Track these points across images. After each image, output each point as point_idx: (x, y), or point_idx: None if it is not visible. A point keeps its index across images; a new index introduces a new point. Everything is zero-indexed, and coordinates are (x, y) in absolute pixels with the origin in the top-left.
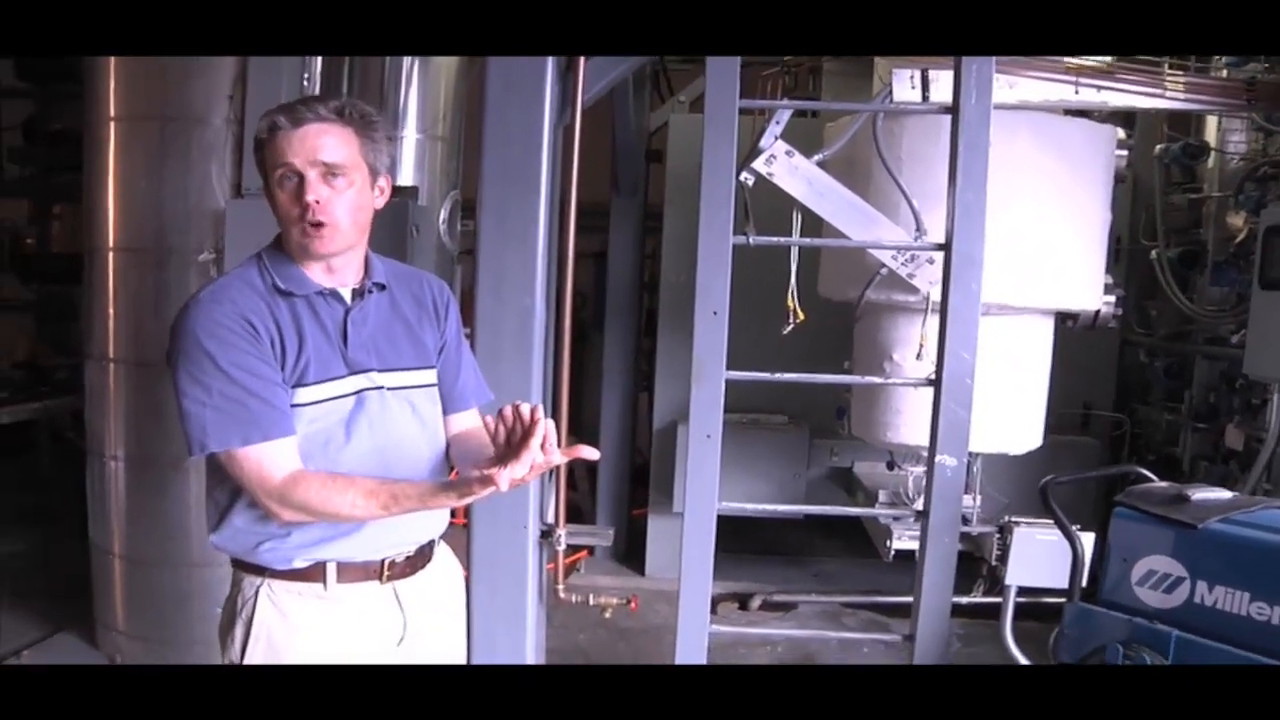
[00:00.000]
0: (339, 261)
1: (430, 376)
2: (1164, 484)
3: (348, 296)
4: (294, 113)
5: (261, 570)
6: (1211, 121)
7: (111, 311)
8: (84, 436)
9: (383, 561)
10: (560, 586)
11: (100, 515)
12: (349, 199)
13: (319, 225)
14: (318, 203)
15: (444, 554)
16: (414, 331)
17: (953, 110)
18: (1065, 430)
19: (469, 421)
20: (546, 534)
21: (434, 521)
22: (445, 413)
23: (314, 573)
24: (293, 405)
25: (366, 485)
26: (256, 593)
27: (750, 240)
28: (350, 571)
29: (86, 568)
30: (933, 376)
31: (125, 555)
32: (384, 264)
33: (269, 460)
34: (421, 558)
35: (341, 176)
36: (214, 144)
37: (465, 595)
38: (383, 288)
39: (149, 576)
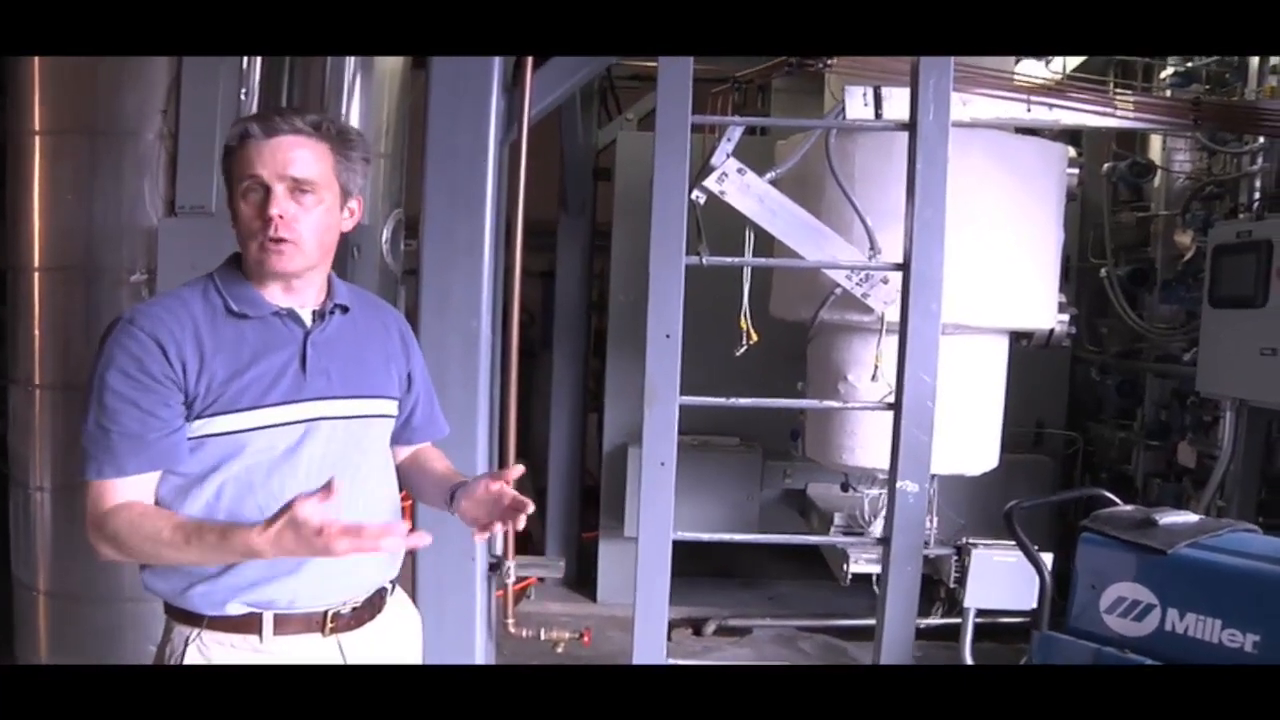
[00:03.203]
0: (300, 281)
1: (389, 407)
2: (1130, 507)
3: (307, 318)
4: (268, 122)
5: (192, 619)
6: (1156, 140)
7: (37, 333)
8: (8, 464)
9: (325, 612)
10: (510, 620)
11: (24, 549)
12: (316, 218)
13: (280, 241)
14: (281, 218)
15: (399, 603)
16: (379, 360)
17: (910, 126)
18: (1018, 449)
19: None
20: (495, 566)
21: (385, 566)
22: (400, 443)
23: (249, 623)
24: (229, 433)
25: (175, 519)
26: (185, 643)
27: (704, 260)
28: (289, 623)
29: (8, 604)
30: (891, 399)
31: (50, 591)
32: (347, 287)
33: (110, 492)
34: (370, 608)
35: (311, 194)
36: (146, 159)
37: (428, 649)
38: (345, 310)
39: (76, 613)
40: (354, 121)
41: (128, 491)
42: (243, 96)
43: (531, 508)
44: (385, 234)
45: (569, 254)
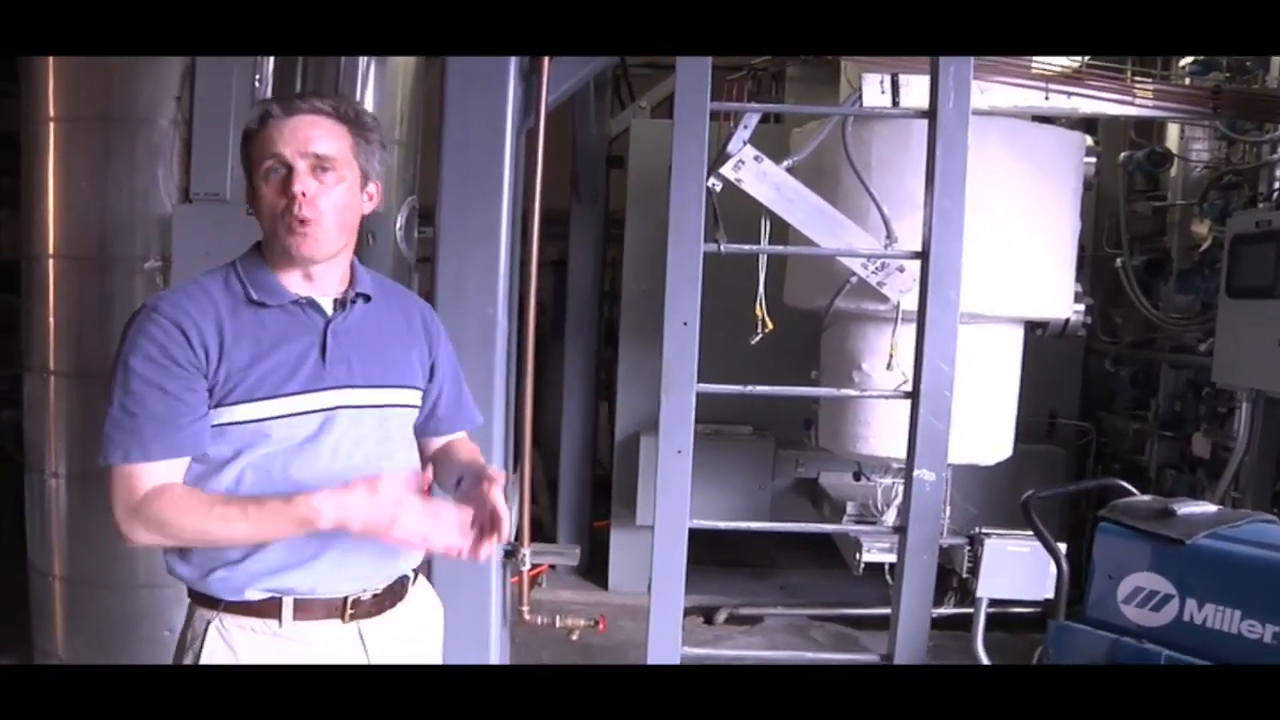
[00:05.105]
0: (321, 268)
1: (411, 397)
2: (1147, 498)
3: (328, 307)
4: (288, 103)
5: (213, 603)
6: (1173, 129)
7: (52, 321)
8: (23, 452)
9: (345, 599)
10: (525, 608)
11: (39, 535)
12: (337, 196)
13: (305, 222)
14: (304, 195)
15: (422, 592)
16: (401, 349)
17: (929, 114)
18: (1031, 439)
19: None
20: (510, 554)
21: (407, 554)
22: (429, 434)
23: (268, 608)
24: (248, 421)
25: (230, 498)
26: (207, 627)
27: (721, 247)
28: (309, 608)
29: (24, 591)
30: (907, 388)
31: (66, 577)
32: (370, 275)
33: (141, 476)
34: (392, 595)
35: (331, 171)
36: (160, 146)
37: (443, 637)
38: (368, 299)
39: (91, 599)
40: (368, 109)
41: (159, 476)
42: (257, 83)
43: (504, 529)
44: (399, 221)
45: (581, 242)
